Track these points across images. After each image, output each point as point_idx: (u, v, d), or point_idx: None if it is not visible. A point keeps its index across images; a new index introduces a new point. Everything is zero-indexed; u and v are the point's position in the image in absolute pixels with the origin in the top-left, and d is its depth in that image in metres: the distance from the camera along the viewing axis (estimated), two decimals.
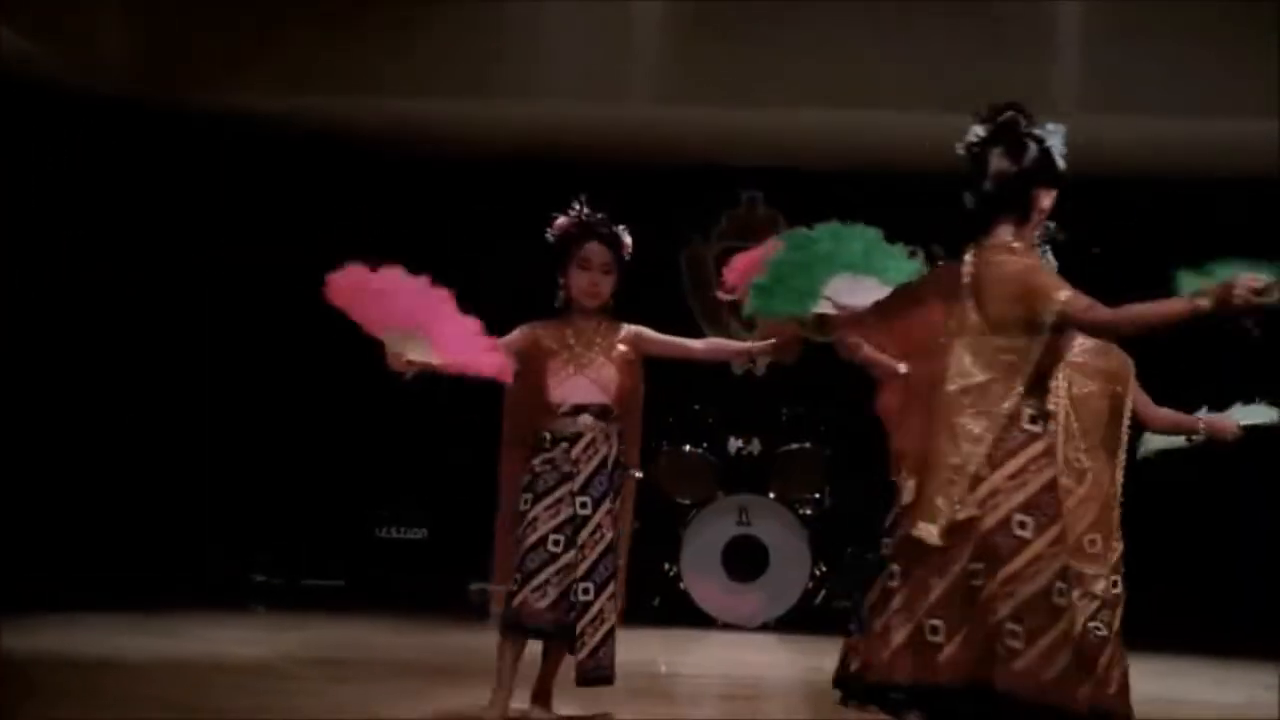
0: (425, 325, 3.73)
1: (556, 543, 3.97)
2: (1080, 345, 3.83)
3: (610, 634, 3.97)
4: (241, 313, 8.21)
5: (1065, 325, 3.23)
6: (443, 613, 7.24)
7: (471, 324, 3.79)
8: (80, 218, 7.51)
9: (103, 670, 4.99)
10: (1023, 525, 3.17)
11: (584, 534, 3.97)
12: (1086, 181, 8.32)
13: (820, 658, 5.77)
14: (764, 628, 7.06)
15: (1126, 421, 4.01)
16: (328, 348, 8.31)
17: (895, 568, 3.25)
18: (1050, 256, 4.12)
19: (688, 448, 7.45)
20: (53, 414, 7.34)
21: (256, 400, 8.21)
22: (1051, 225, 3.98)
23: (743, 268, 4.28)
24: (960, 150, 3.35)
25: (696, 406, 7.51)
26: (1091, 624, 3.73)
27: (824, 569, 7.31)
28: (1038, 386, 3.27)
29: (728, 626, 7.07)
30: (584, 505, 3.99)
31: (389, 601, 7.51)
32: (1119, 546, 3.89)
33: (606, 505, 4.01)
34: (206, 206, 8.04)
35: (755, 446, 7.43)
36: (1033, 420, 3.23)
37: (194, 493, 7.94)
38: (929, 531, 3.19)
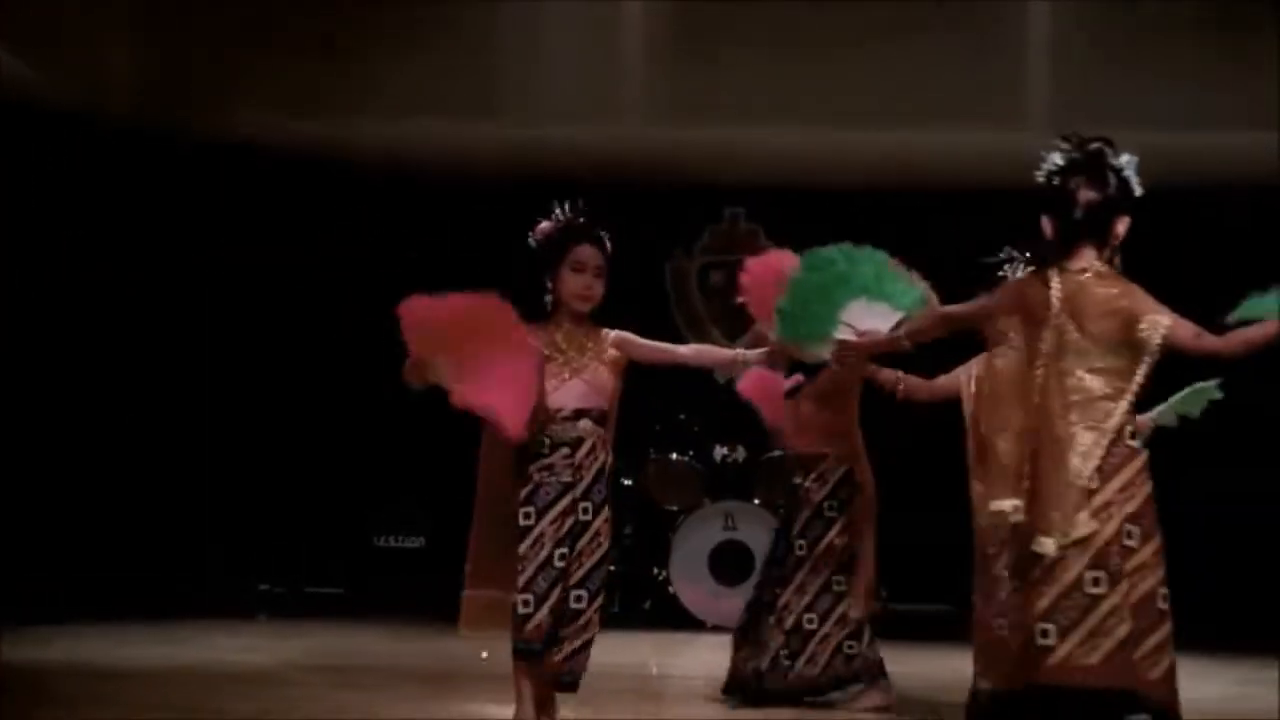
0: (469, 361, 3.71)
1: (562, 557, 3.88)
2: None
3: (590, 643, 3.95)
4: (242, 326, 8.35)
5: (1171, 349, 3.42)
6: (441, 619, 7.35)
7: (525, 369, 3.79)
8: (83, 236, 7.63)
9: (107, 678, 5.08)
10: (1129, 535, 3.39)
11: (583, 540, 3.90)
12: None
13: None
14: None
15: None
16: (326, 360, 8.52)
17: (1015, 582, 3.41)
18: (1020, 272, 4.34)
19: (675, 456, 7.60)
20: (57, 426, 7.46)
21: (257, 411, 8.35)
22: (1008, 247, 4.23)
23: (759, 275, 4.32)
24: (1041, 178, 3.53)
25: (682, 416, 7.66)
26: None
27: None
28: (1134, 405, 3.47)
29: (716, 629, 7.19)
30: (585, 511, 3.91)
31: (388, 608, 7.63)
32: None
33: (605, 513, 3.93)
34: (207, 223, 8.16)
35: (740, 454, 7.55)
36: (1132, 436, 3.45)
37: (197, 502, 8.05)
38: (1047, 545, 3.36)
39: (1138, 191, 3.52)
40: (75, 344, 7.61)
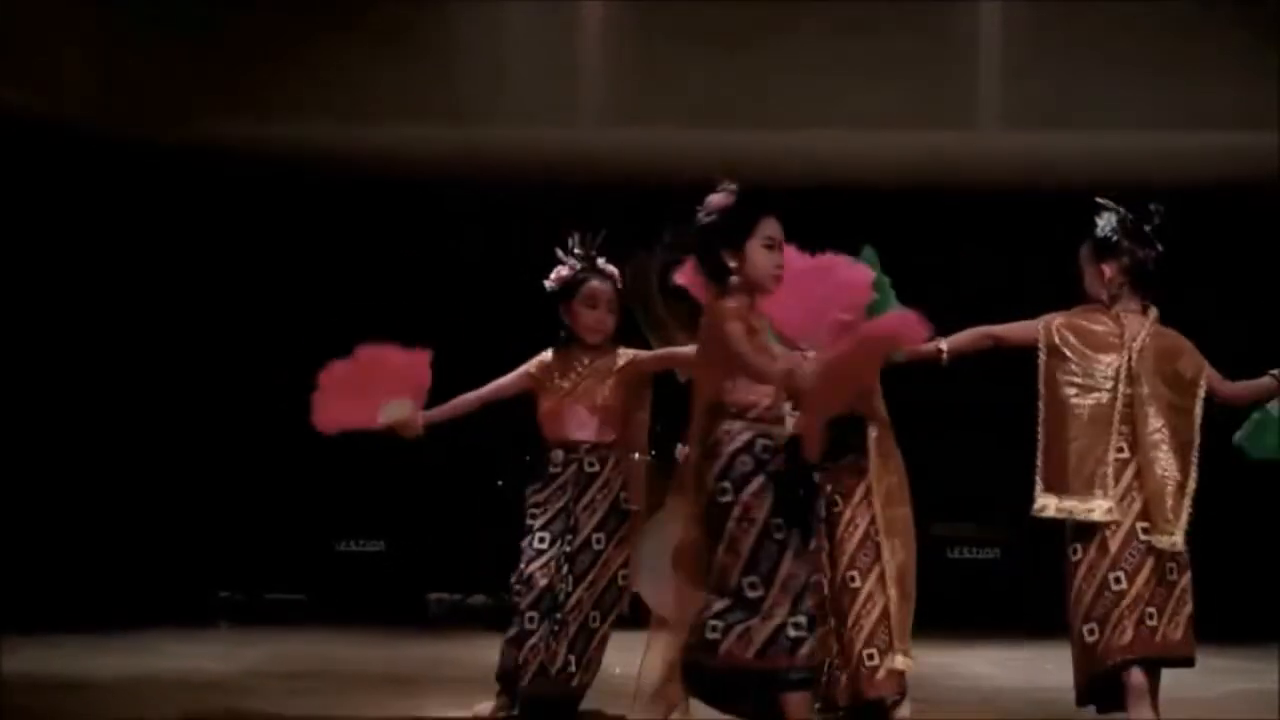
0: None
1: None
2: None
3: None
4: (199, 331, 8.29)
5: (1208, 393, 4.10)
6: (402, 623, 7.37)
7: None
8: (40, 244, 7.55)
9: (64, 689, 5.04)
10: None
11: None
12: (1007, 196, 8.51)
13: None
14: None
15: None
16: (285, 364, 8.46)
17: (1121, 574, 3.98)
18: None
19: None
20: (8, 433, 7.40)
21: (215, 416, 8.29)
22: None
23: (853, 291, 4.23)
24: (1104, 231, 4.11)
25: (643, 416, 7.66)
26: None
27: None
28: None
29: None
30: None
31: (349, 614, 7.62)
32: None
33: None
34: (163, 228, 8.10)
35: None
36: None
37: (155, 509, 7.98)
38: (1166, 541, 3.97)
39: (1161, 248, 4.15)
40: (28, 351, 7.54)
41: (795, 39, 7.22)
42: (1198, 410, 4.06)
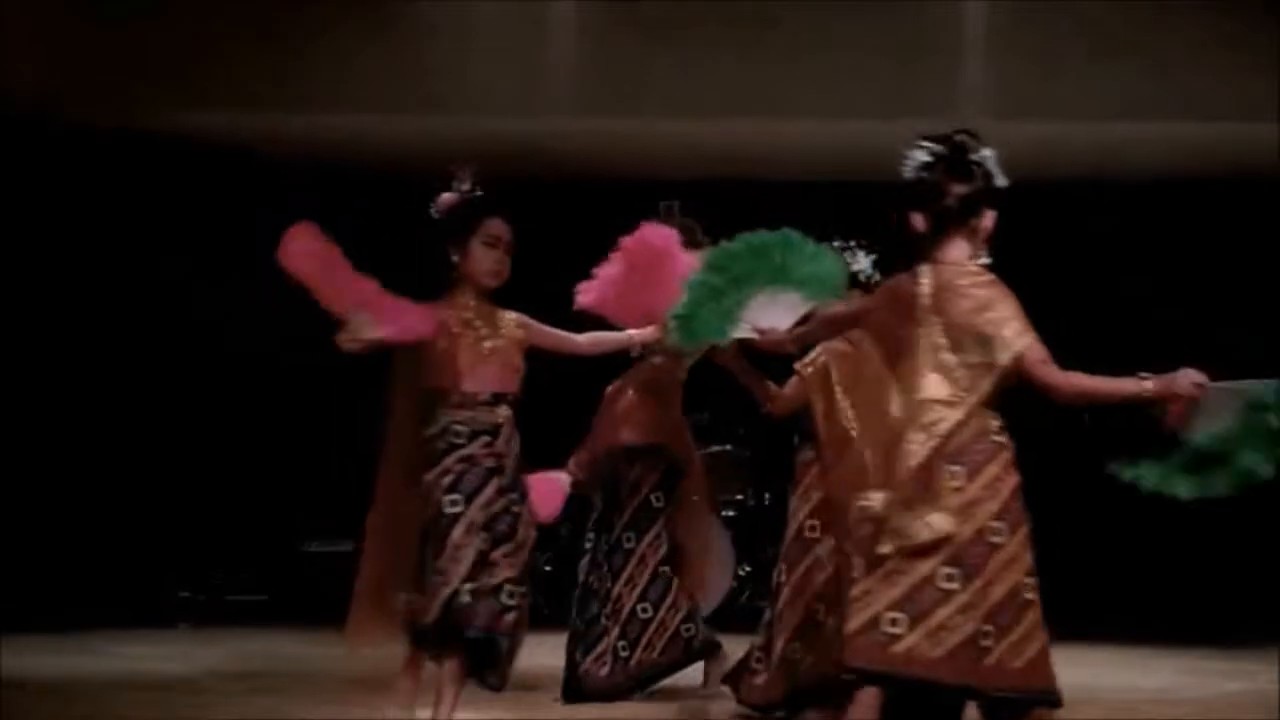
0: (367, 302, 3.71)
1: (485, 542, 3.71)
2: None
3: (521, 642, 3.84)
4: (158, 324, 8.13)
5: (1019, 371, 3.28)
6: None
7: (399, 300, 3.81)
8: None
9: (20, 691, 4.91)
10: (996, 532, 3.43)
11: (518, 533, 3.77)
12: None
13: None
14: None
15: None
16: (250, 359, 8.33)
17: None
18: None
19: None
20: None
21: (179, 412, 8.14)
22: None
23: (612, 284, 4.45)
24: (909, 174, 3.42)
25: None
26: None
27: (748, 569, 7.44)
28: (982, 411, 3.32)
29: None
30: (514, 502, 3.78)
31: (315, 614, 7.45)
32: None
33: (525, 501, 3.84)
34: (124, 220, 7.95)
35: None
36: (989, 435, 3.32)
37: (117, 508, 7.83)
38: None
39: (1001, 183, 3.41)
40: None
41: (776, 29, 7.14)
42: (980, 389, 3.40)
